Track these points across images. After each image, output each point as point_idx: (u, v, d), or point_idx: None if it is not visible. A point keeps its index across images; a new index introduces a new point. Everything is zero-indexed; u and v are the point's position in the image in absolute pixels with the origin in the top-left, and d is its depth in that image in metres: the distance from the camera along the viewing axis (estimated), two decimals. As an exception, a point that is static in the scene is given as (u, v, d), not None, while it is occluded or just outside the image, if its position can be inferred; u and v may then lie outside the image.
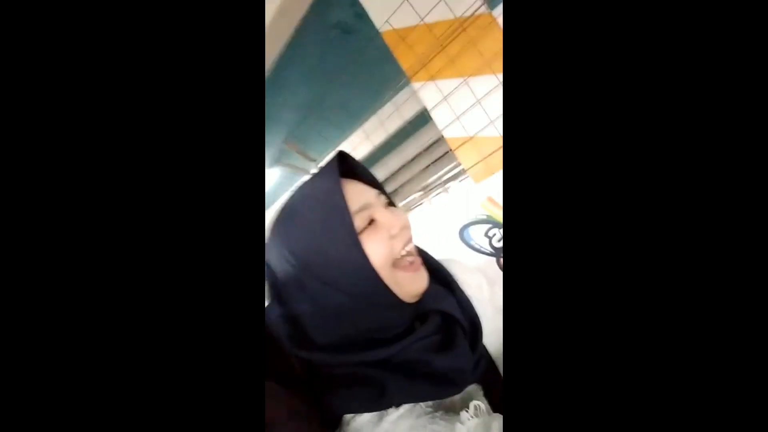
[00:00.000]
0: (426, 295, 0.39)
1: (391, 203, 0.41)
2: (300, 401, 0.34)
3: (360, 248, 0.34)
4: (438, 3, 0.97)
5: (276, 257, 0.38)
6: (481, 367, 0.38)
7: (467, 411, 0.32)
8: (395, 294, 0.36)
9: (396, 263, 0.36)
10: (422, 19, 1.03)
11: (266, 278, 0.39)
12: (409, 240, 0.39)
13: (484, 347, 0.41)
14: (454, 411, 0.34)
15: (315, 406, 0.35)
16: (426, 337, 0.36)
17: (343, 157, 0.39)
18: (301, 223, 0.36)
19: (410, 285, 0.37)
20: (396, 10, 1.00)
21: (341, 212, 0.34)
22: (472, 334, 0.40)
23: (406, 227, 0.38)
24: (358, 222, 0.35)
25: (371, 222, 0.36)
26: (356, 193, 0.37)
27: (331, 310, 0.36)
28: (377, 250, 0.35)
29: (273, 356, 0.36)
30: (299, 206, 0.37)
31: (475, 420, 0.32)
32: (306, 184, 0.38)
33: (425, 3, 0.98)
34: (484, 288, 0.46)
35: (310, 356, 0.36)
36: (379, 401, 0.33)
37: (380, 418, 0.33)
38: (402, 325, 0.37)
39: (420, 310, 0.38)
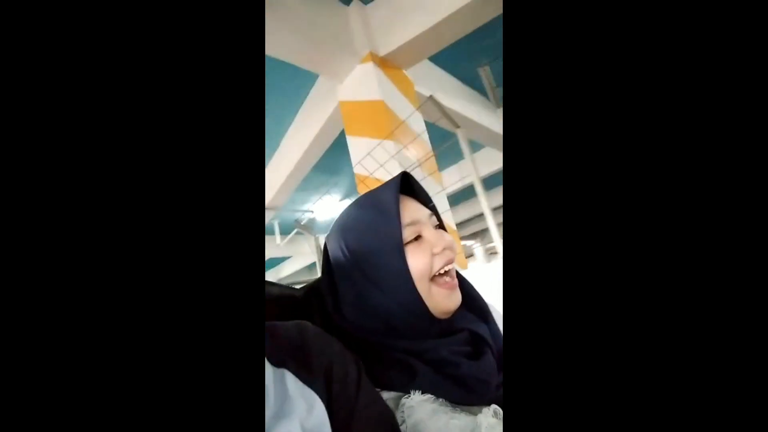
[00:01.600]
0: (458, 316, 0.42)
1: (440, 226, 0.45)
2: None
3: (403, 256, 0.39)
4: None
5: (333, 245, 0.44)
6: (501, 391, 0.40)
7: (488, 409, 0.35)
8: (427, 306, 0.39)
9: (434, 279, 0.40)
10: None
11: (322, 259, 0.46)
12: (450, 261, 0.41)
13: None
14: (472, 413, 0.36)
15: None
16: (456, 344, 0.40)
17: (405, 176, 0.45)
18: (359, 224, 0.42)
19: (443, 301, 0.40)
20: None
21: (393, 221, 0.39)
22: (500, 359, 0.41)
23: (448, 248, 0.41)
24: (407, 233, 0.40)
25: (418, 237, 0.41)
26: (410, 209, 0.42)
27: (370, 306, 0.40)
28: (418, 262, 0.39)
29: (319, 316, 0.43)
30: (361, 209, 0.43)
31: (494, 419, 0.34)
32: (371, 192, 0.44)
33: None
34: None
35: (347, 325, 0.41)
36: (408, 385, 0.36)
37: (405, 395, 0.36)
38: (430, 336, 0.40)
39: (450, 327, 0.41)
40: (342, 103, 1.94)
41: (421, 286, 0.39)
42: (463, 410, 0.36)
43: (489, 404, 0.37)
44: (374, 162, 1.60)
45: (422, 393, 0.36)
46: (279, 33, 1.49)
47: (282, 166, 2.99)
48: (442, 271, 0.40)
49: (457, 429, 0.33)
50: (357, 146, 1.80)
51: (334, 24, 1.74)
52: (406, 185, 0.45)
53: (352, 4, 1.88)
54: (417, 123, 1.85)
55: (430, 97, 1.44)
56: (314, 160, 2.80)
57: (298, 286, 0.50)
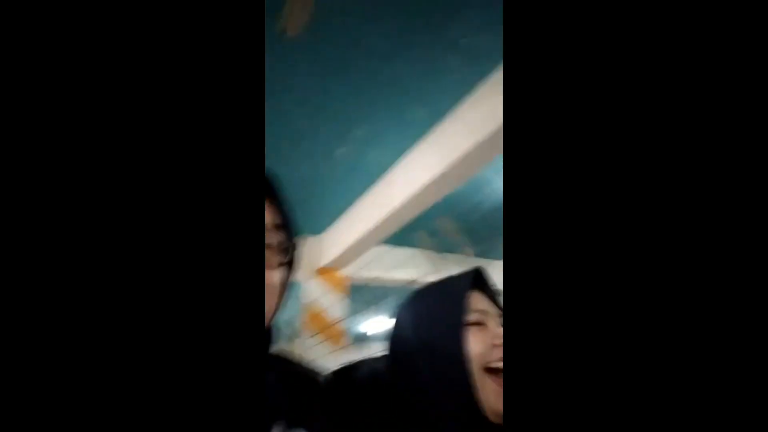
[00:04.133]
0: None
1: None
2: None
3: (462, 337, 0.38)
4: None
5: (401, 329, 0.43)
6: None
7: None
8: (479, 401, 0.36)
9: (490, 370, 0.38)
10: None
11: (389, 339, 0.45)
12: None
13: None
14: None
15: None
16: None
17: (479, 272, 0.44)
18: (426, 308, 0.42)
19: (497, 399, 0.37)
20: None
21: (459, 303, 0.40)
22: None
23: None
24: (471, 317, 0.40)
25: (481, 324, 0.40)
26: (479, 300, 0.42)
27: (415, 396, 0.38)
28: (476, 347, 0.38)
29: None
30: (431, 295, 0.44)
31: None
32: (444, 279, 0.45)
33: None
34: None
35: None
36: None
37: None
38: None
39: None
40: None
41: (476, 373, 0.37)
42: None
43: None
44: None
45: None
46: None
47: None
48: (500, 365, 0.37)
49: None
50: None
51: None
52: (479, 281, 0.45)
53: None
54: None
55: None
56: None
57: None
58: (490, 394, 0.37)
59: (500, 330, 0.40)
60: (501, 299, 0.45)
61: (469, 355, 0.37)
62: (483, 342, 0.39)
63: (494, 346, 0.39)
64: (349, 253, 2.40)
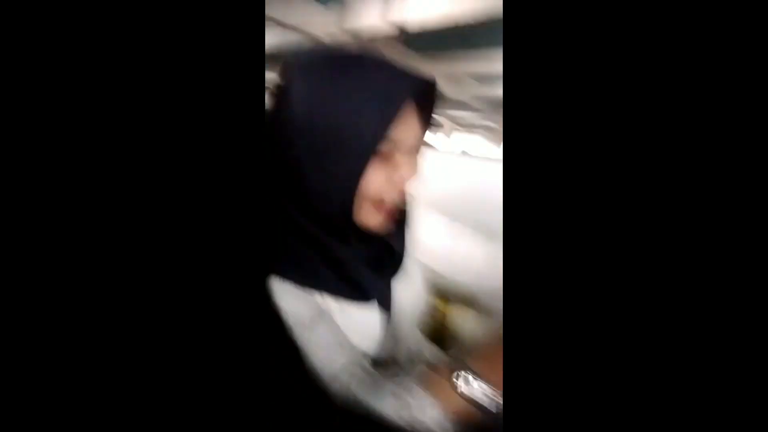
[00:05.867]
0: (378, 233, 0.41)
1: (426, 144, 0.40)
2: None
3: (366, 164, 0.33)
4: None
5: (299, 93, 0.34)
6: (388, 299, 0.43)
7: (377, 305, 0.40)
8: (354, 214, 0.36)
9: (375, 203, 0.37)
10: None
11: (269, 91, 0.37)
12: (401, 197, 0.38)
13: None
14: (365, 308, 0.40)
15: None
16: (362, 251, 0.40)
17: (432, 86, 0.36)
18: (345, 100, 0.33)
19: (370, 218, 0.38)
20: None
21: (381, 128, 0.32)
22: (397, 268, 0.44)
23: (408, 181, 0.37)
24: (383, 147, 0.34)
25: (390, 156, 0.35)
26: (408, 127, 0.35)
27: (304, 179, 0.35)
28: (374, 182, 0.35)
29: None
30: (359, 82, 0.33)
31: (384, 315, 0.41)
32: (380, 67, 0.34)
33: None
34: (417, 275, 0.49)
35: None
36: (307, 281, 0.37)
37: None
38: (340, 235, 0.38)
39: (363, 236, 0.40)
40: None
41: (361, 202, 0.36)
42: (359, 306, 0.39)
43: (383, 305, 0.41)
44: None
45: (321, 294, 0.37)
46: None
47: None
48: (388, 199, 0.37)
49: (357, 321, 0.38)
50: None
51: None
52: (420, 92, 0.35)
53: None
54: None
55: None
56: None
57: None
58: (368, 215, 0.37)
59: (407, 166, 0.36)
60: (432, 123, 0.39)
61: (361, 188, 0.34)
62: (383, 178, 0.35)
63: (392, 181, 0.36)
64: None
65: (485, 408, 0.30)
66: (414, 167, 0.38)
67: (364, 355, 0.39)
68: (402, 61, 0.36)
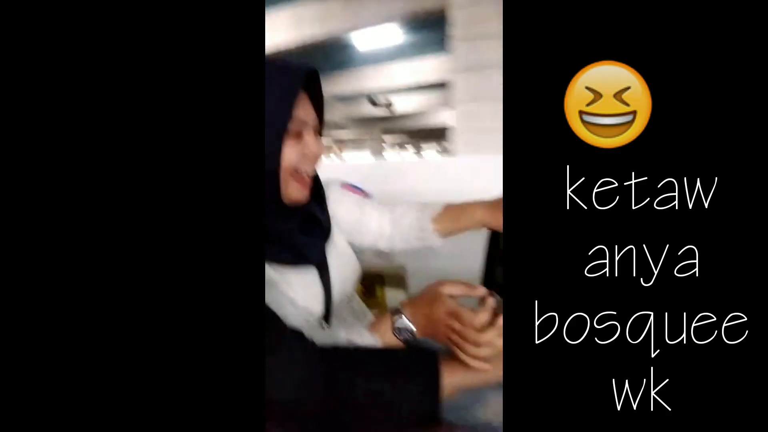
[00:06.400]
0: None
1: (320, 132, 0.50)
2: None
3: (282, 144, 0.42)
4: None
5: None
6: (325, 262, 0.51)
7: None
8: (281, 191, 0.45)
9: (294, 175, 0.45)
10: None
11: None
12: (314, 166, 0.48)
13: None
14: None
15: None
16: (292, 221, 0.47)
17: (316, 74, 0.46)
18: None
19: (294, 193, 0.45)
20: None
21: (287, 110, 0.41)
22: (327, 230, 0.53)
23: (318, 155, 0.47)
24: (292, 127, 0.43)
25: (299, 135, 0.44)
26: (307, 109, 0.45)
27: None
28: (290, 155, 0.44)
29: None
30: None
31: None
32: (275, 67, 0.42)
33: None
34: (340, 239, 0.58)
35: None
36: None
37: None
38: (273, 214, 0.45)
39: (291, 209, 0.47)
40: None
41: (283, 177, 0.43)
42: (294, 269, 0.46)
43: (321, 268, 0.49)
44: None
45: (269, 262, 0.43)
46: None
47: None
48: (304, 171, 0.45)
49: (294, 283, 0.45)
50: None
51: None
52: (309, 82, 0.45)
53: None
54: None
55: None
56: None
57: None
58: (291, 190, 0.45)
59: (313, 142, 0.45)
60: (322, 106, 0.49)
61: (283, 164, 0.42)
62: (295, 153, 0.43)
63: (305, 155, 0.44)
64: None
65: (409, 341, 0.42)
66: (320, 144, 0.47)
67: (311, 313, 0.46)
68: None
